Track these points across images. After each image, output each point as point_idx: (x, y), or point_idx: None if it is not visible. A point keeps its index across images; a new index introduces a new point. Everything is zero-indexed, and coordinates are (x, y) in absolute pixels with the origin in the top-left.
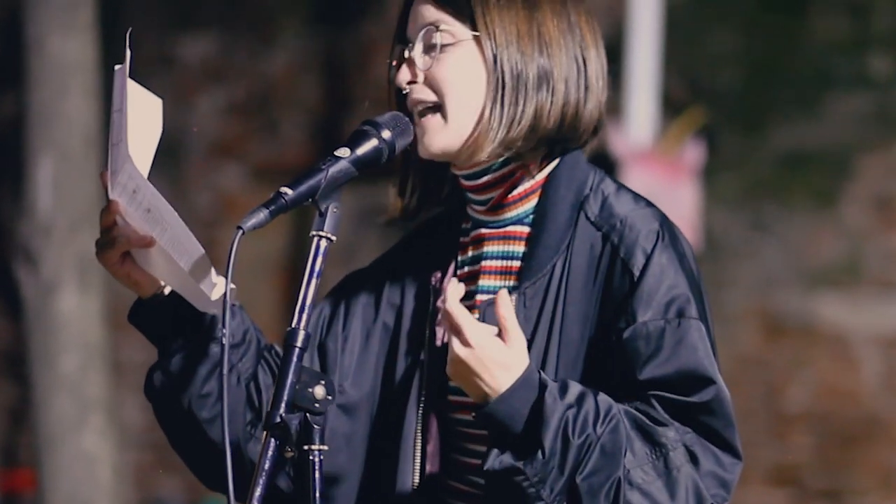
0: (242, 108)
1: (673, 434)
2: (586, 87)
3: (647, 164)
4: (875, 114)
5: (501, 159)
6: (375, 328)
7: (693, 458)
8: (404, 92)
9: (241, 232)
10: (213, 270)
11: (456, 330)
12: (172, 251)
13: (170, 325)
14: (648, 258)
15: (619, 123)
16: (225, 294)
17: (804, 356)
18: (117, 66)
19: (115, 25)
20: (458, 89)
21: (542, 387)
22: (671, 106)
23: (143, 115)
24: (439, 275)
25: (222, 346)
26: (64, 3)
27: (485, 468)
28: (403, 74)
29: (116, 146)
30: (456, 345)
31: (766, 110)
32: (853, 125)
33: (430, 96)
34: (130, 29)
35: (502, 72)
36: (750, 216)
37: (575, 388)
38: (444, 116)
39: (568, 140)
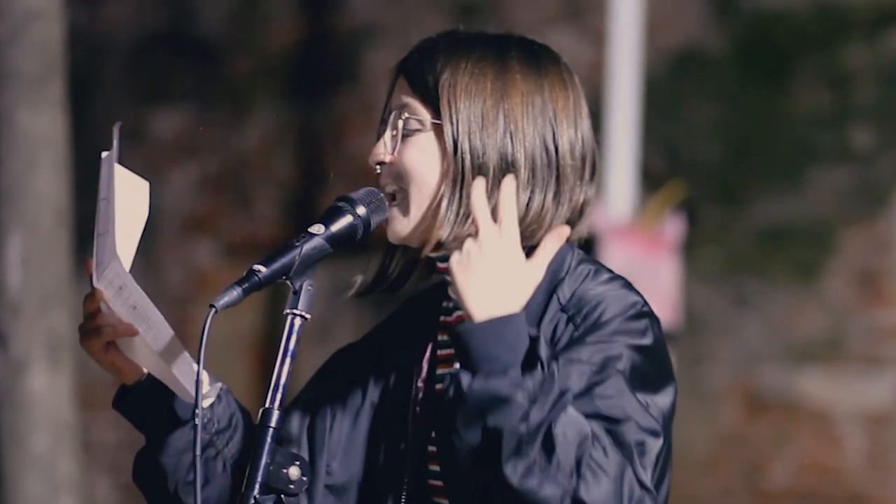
0: (215, 183)
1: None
2: (557, 179)
3: (627, 240)
4: (857, 187)
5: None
6: (364, 407)
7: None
8: (376, 171)
9: (213, 310)
10: (194, 368)
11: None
12: (155, 347)
13: (155, 411)
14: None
15: (598, 197)
16: (197, 375)
17: (786, 433)
18: (104, 153)
19: (86, 100)
20: (418, 178)
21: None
22: (650, 179)
23: (130, 200)
24: (420, 354)
25: (195, 427)
26: (33, 77)
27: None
28: (374, 155)
29: (103, 236)
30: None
31: (747, 184)
32: (835, 199)
33: (393, 183)
34: (120, 124)
35: (462, 162)
36: (731, 291)
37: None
38: (405, 205)
39: (525, 238)
